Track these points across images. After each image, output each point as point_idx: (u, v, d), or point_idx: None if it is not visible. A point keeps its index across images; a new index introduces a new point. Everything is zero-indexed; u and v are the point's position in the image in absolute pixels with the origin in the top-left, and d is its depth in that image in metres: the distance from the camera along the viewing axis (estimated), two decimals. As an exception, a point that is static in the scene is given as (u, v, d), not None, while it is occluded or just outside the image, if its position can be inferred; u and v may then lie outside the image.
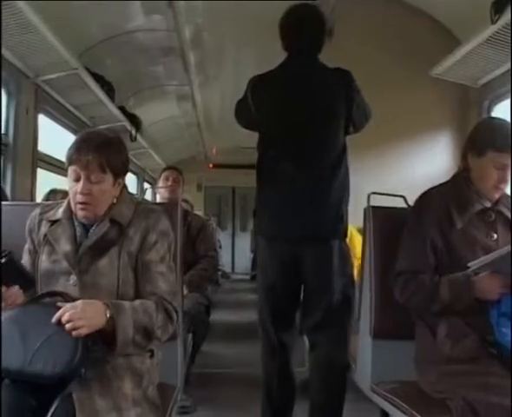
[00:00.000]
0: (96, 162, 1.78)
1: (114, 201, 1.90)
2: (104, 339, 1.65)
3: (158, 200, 3.99)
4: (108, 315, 1.65)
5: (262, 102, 2.75)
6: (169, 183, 3.96)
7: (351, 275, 2.74)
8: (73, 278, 1.80)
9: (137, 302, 1.78)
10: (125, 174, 1.95)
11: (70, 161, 1.80)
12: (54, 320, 1.58)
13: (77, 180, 1.80)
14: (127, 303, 1.74)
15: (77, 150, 1.79)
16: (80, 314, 1.58)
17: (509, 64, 3.59)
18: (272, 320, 2.76)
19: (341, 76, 2.73)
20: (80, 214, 1.83)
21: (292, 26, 2.77)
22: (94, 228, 1.86)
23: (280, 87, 2.76)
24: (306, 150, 2.68)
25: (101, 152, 1.79)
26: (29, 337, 1.55)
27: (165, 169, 4.17)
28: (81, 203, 1.80)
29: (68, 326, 1.56)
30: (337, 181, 2.68)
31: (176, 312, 1.88)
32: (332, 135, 2.71)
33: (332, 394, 2.70)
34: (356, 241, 3.73)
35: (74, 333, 1.55)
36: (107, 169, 1.80)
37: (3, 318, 1.63)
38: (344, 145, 2.75)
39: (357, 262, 3.28)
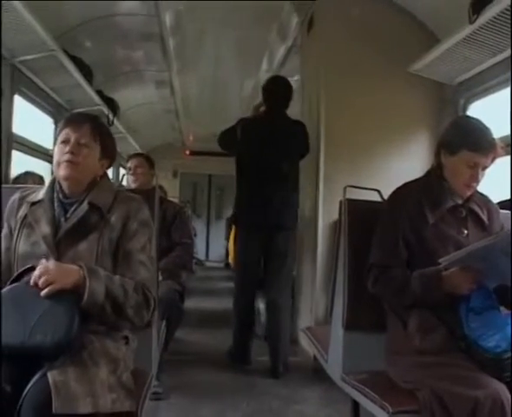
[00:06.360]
0: (89, 128, 1.86)
1: (98, 179, 1.92)
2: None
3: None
4: (81, 274, 1.68)
5: (248, 136, 4.09)
6: (131, 172, 3.92)
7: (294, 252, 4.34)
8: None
9: (116, 276, 1.79)
10: (111, 158, 2.00)
11: (64, 125, 1.86)
12: (31, 282, 1.63)
13: (67, 142, 1.83)
14: (103, 270, 1.76)
15: (72, 116, 1.93)
16: (53, 271, 1.64)
17: (486, 64, 3.64)
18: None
19: (300, 126, 4.16)
20: (63, 173, 1.83)
21: (270, 91, 4.20)
22: (72, 209, 1.85)
23: (261, 128, 4.12)
24: (277, 171, 4.00)
25: (96, 124, 1.91)
26: (26, 313, 1.59)
27: (129, 158, 4.08)
28: (67, 161, 1.82)
29: (41, 281, 1.61)
30: (294, 192, 4.12)
31: (154, 301, 1.89)
32: (292, 162, 4.11)
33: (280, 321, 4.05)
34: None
35: (46, 290, 1.61)
36: (97, 138, 1.87)
37: None
38: (298, 167, 4.16)
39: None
